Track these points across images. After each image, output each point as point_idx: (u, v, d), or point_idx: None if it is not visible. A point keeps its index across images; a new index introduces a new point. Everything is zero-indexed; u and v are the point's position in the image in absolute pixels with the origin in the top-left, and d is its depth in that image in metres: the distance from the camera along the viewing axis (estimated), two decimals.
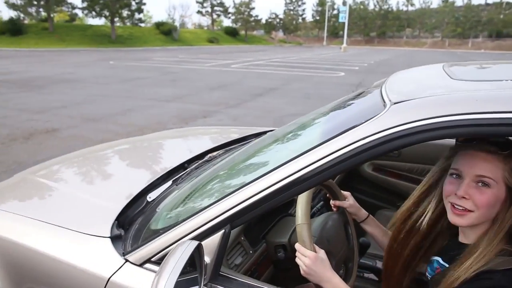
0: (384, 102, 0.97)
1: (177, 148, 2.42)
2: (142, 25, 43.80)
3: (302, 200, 1.16)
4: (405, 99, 0.93)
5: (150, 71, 14.50)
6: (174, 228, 1.04)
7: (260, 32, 63.39)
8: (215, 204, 1.01)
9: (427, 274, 1.16)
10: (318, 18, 68.32)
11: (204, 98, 9.05)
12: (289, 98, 9.13)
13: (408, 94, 0.95)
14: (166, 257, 0.85)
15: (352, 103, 1.29)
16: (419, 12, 65.05)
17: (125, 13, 38.60)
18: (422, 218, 1.13)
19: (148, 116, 7.04)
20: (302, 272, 1.10)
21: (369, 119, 0.92)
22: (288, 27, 65.39)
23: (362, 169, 2.53)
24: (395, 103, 0.93)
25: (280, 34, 66.56)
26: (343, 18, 40.83)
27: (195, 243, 0.88)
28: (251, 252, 1.31)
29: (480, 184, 0.95)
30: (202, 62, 19.04)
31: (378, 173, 2.49)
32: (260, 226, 1.46)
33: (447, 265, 1.09)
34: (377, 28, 66.39)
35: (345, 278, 1.34)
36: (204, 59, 20.71)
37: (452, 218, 1.00)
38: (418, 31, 67.41)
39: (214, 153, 1.95)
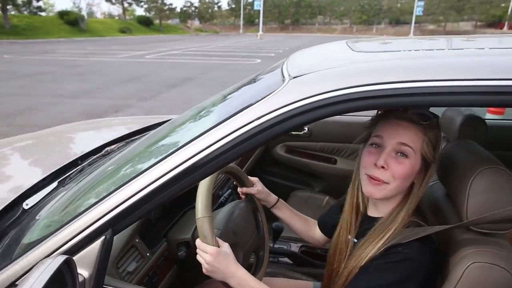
0: (284, 77, 0.89)
1: (76, 143, 2.17)
2: (43, 14, 39.66)
3: (202, 191, 1.05)
4: (305, 73, 0.85)
5: (54, 65, 13.19)
6: (46, 241, 0.86)
7: (175, 21, 61.40)
8: (93, 208, 0.85)
9: None
10: (233, 6, 68.21)
11: (115, 92, 8.47)
12: (206, 88, 8.94)
13: (308, 67, 0.88)
14: (21, 280, 0.68)
15: (254, 83, 1.20)
16: (329, 0, 68.27)
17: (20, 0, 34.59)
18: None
19: (52, 114, 6.37)
20: (204, 270, 1.00)
21: (266, 96, 0.83)
22: (204, 15, 64.29)
23: (275, 152, 2.50)
24: (294, 77, 0.85)
25: (196, 23, 65.15)
26: (258, 6, 41.15)
27: (61, 258, 0.72)
28: (148, 254, 1.17)
29: (399, 154, 0.93)
30: (114, 53, 17.85)
31: (291, 155, 2.48)
32: (162, 223, 1.32)
33: (355, 240, 1.06)
34: (291, 15, 68.39)
35: (256, 267, 1.27)
36: (116, 51, 19.44)
37: (369, 189, 0.98)
38: (329, 18, 70.92)
39: (113, 146, 1.76)
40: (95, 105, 7.12)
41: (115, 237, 0.92)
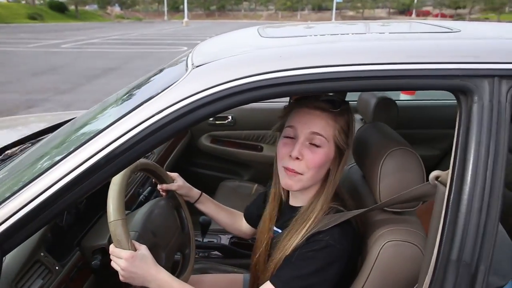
0: (187, 66, 0.84)
1: None
2: None
3: (113, 192, 0.96)
4: (208, 61, 0.80)
5: None
6: None
7: (94, 7, 57.24)
8: None
9: None
10: None
11: (28, 85, 7.72)
12: (131, 78, 8.45)
13: (212, 55, 0.83)
14: None
15: (160, 74, 1.12)
16: None
17: None
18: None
19: None
20: (120, 277, 0.93)
21: (167, 88, 0.77)
22: (125, 1, 60.79)
23: (200, 142, 2.44)
24: (197, 66, 0.80)
25: (117, 9, 61.39)
26: None
27: None
28: (57, 268, 1.06)
29: (312, 143, 0.93)
30: (24, 43, 16.21)
31: (216, 145, 2.44)
32: (75, 230, 1.21)
33: (280, 231, 1.06)
34: (217, 1, 67.53)
35: (183, 266, 1.22)
36: (25, 39, 17.65)
37: (286, 182, 0.97)
38: (254, 4, 71.26)
39: (15, 149, 1.57)
40: (4, 100, 6.44)
41: (11, 254, 0.81)
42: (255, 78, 0.74)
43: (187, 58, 0.92)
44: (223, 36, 1.23)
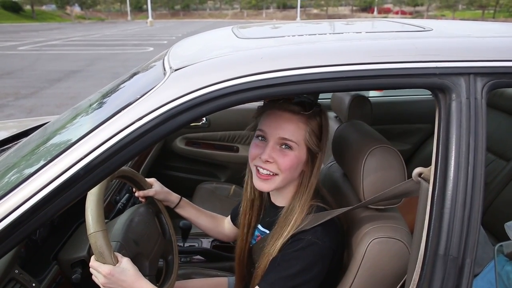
0: (165, 70, 0.81)
1: None
2: None
3: (91, 202, 0.92)
4: (187, 64, 0.78)
5: None
6: None
7: (51, 7, 54.91)
8: None
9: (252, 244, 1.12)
10: None
11: None
12: (95, 80, 8.24)
13: (191, 58, 0.81)
14: None
15: (135, 78, 1.09)
16: None
17: None
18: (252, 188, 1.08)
19: None
20: None
21: (146, 93, 0.75)
22: (85, 1, 58.78)
23: (175, 145, 2.40)
24: (176, 70, 0.77)
25: (77, 9, 59.16)
26: None
27: None
28: (34, 285, 1.01)
29: (283, 146, 0.93)
30: None
31: (192, 147, 2.41)
32: (50, 243, 1.15)
33: (267, 231, 1.06)
34: (181, 0, 66.63)
35: (167, 273, 1.19)
36: None
37: (257, 183, 0.97)
38: (219, 3, 70.86)
39: None
40: None
41: None
42: (237, 81, 0.73)
43: (163, 61, 0.89)
44: (198, 37, 1.20)
